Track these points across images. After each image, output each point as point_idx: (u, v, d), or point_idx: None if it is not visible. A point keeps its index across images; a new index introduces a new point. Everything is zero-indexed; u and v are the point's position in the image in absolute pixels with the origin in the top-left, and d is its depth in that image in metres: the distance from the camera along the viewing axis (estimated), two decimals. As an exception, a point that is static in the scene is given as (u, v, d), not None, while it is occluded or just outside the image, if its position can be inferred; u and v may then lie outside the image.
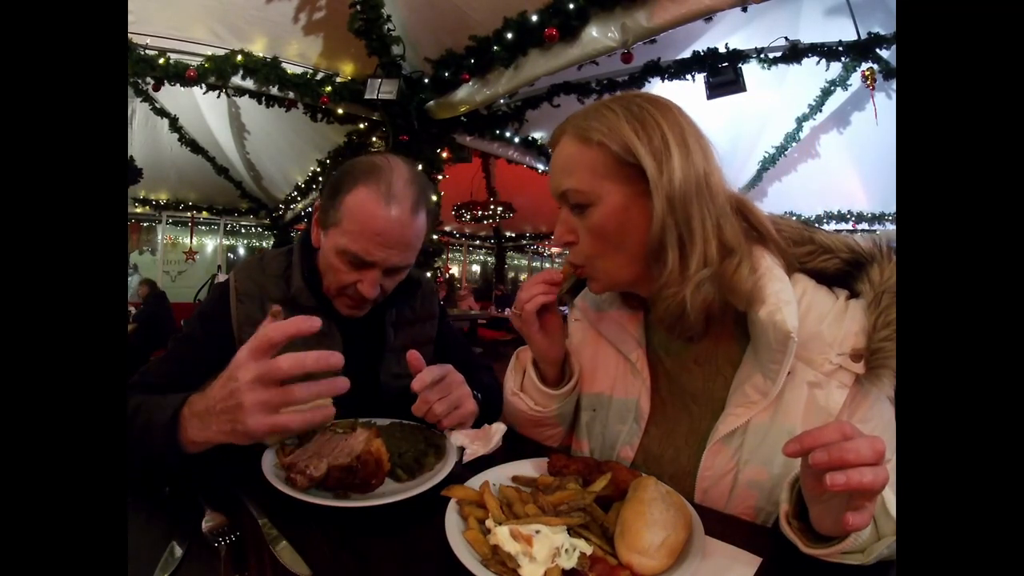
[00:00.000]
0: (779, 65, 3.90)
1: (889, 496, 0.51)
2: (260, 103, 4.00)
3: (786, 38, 3.87)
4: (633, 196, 0.68)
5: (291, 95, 3.91)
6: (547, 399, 0.84)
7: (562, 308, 0.86)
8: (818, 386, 0.65)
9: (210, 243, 10.13)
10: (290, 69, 3.85)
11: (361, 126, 4.40)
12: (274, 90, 3.84)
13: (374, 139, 4.64)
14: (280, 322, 0.60)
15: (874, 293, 0.65)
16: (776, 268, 0.68)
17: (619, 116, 0.68)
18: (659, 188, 0.65)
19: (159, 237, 9.24)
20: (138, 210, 8.64)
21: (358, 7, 3.26)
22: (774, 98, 5.28)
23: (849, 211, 7.20)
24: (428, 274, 1.16)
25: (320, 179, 6.56)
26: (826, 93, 5.30)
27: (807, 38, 3.91)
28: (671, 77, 3.85)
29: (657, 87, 4.16)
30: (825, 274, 0.72)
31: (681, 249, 0.67)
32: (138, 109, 6.12)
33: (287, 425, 0.60)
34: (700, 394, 0.76)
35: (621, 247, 0.70)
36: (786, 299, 0.65)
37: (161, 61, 3.51)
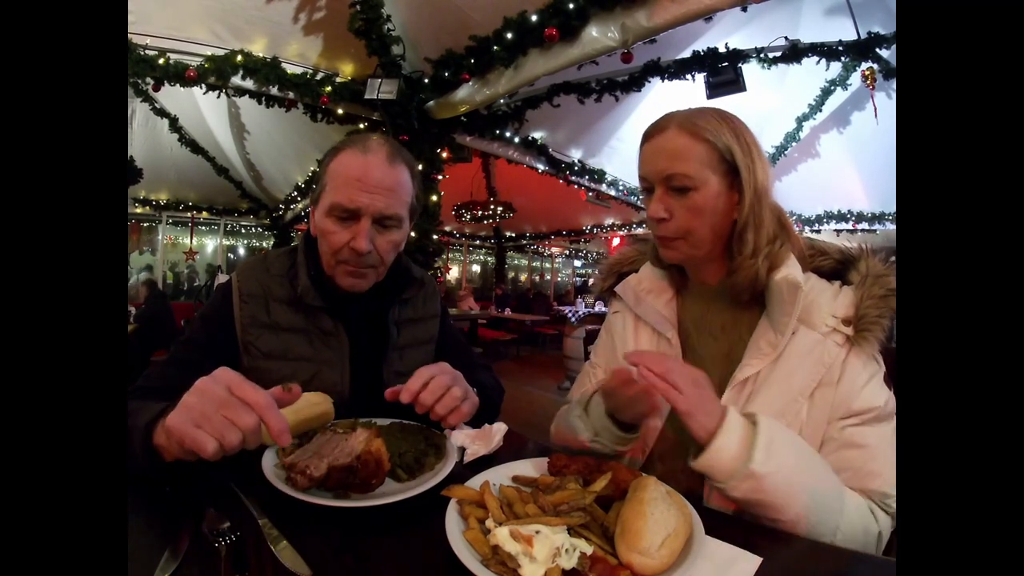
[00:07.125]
0: (779, 65, 3.88)
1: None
2: (260, 103, 3.99)
3: (786, 38, 3.86)
4: (725, 187, 0.84)
5: (291, 95, 3.89)
6: (625, 443, 0.85)
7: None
8: (818, 343, 0.80)
9: (210, 243, 10.12)
10: (290, 69, 3.84)
11: (361, 126, 4.38)
12: (274, 90, 3.83)
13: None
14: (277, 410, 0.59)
15: (860, 278, 0.84)
16: (793, 259, 0.86)
17: (721, 123, 0.84)
18: (749, 184, 0.83)
19: (159, 237, 9.23)
20: (138, 210, 8.62)
21: (358, 7, 3.26)
22: (774, 98, 5.26)
23: (849, 211, 7.17)
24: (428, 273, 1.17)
25: (320, 179, 6.54)
26: (826, 93, 5.28)
27: (807, 38, 3.90)
28: (671, 77, 3.84)
29: (657, 87, 4.16)
30: (822, 271, 0.91)
31: (757, 231, 0.84)
32: (138, 109, 6.11)
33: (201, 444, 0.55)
34: (722, 358, 0.89)
35: (711, 225, 0.85)
36: (797, 270, 0.83)
37: (161, 61, 3.50)
